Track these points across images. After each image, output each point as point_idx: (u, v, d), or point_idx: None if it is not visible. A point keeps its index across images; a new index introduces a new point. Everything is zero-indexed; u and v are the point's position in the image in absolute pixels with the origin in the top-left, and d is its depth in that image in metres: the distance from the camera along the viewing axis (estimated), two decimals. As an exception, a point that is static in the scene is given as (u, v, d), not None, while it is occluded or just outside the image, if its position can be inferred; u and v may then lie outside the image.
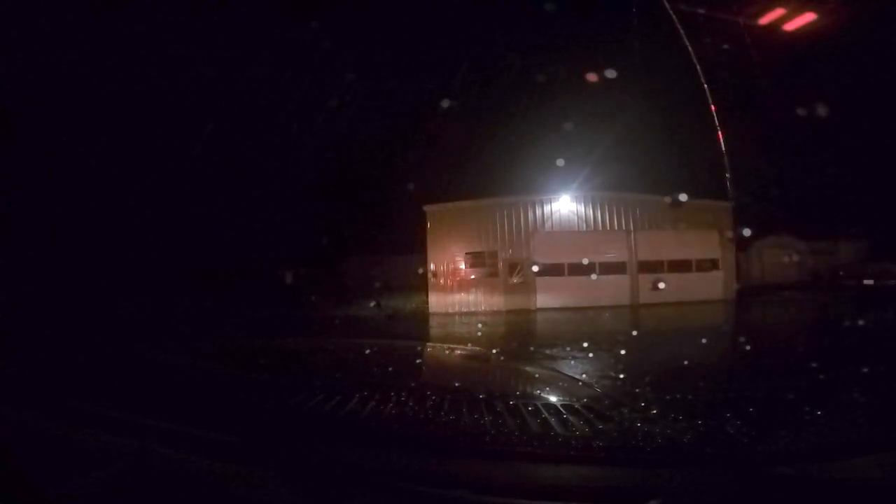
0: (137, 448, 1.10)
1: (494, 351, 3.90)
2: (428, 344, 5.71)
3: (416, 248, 16.87)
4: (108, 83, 12.72)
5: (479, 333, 11.84)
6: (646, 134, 14.73)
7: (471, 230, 14.93)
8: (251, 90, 15.84)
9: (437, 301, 15.03)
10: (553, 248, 14.50)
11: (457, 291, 14.94)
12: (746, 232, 15.50)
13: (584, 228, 14.74)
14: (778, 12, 6.48)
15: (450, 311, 14.79)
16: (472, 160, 14.94)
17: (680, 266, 15.07)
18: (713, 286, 15.20)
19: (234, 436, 1.15)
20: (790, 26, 6.47)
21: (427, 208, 15.41)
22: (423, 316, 14.78)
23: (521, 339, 10.83)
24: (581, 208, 14.74)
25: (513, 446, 1.15)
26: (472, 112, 15.15)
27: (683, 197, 15.00)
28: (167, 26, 12.73)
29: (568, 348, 8.63)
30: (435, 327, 13.25)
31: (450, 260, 15.10)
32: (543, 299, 14.35)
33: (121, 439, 1.14)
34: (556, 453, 1.12)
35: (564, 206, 14.65)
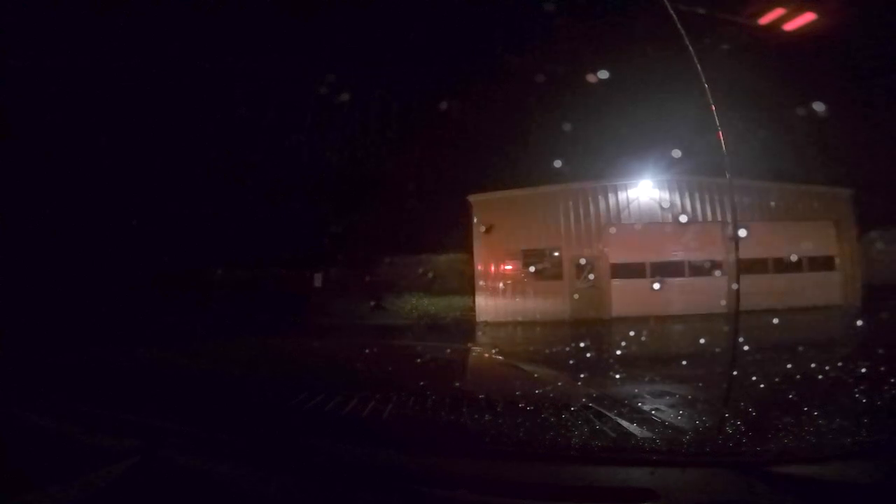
0: (138, 448, 1.14)
1: (590, 397, 2.44)
2: (477, 368, 3.93)
3: (460, 245, 14.60)
4: (103, 81, 11.52)
5: (547, 351, 9.41)
6: (746, 108, 11.94)
7: (528, 223, 12.49)
8: (273, 83, 14.11)
9: (485, 307, 12.70)
10: (631, 245, 11.92)
11: (510, 296, 12.56)
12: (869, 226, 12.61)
13: (670, 220, 12.09)
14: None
15: (501, 319, 12.40)
16: (526, 141, 12.49)
17: (788, 265, 12.23)
18: (829, 289, 12.33)
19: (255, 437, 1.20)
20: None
21: (473, 199, 13.09)
22: (468, 325, 12.46)
23: (606, 364, 8.35)
24: (665, 196, 12.08)
25: (513, 447, 1.17)
26: (525, 85, 12.65)
27: (792, 182, 12.24)
28: (165, 22, 11.59)
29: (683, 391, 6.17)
30: (485, 341, 10.94)
31: (501, 259, 12.73)
32: (620, 306, 11.81)
33: (121, 439, 1.20)
34: (557, 453, 1.16)
35: (645, 193, 12.01)
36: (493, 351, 9.54)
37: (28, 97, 10.16)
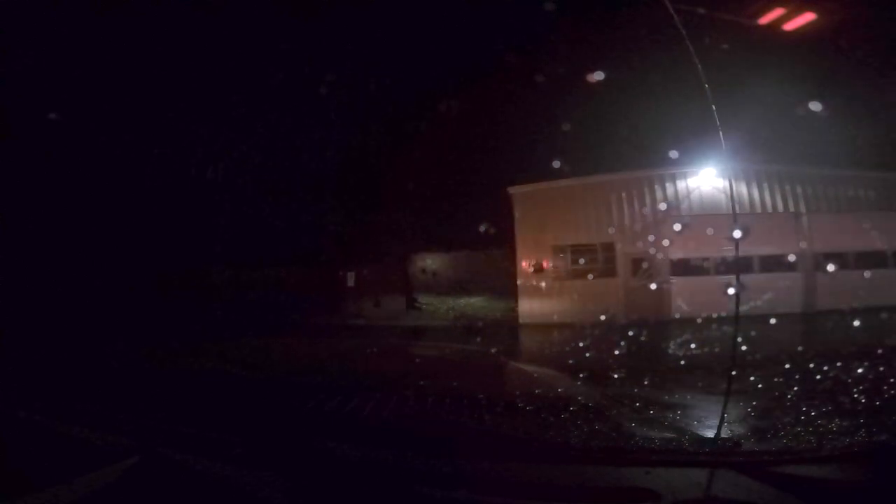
0: (138, 448, 1.13)
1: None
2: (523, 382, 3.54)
3: (499, 241, 13.72)
4: (103, 80, 11.20)
5: (610, 359, 8.33)
6: (821, 88, 10.69)
7: (575, 217, 11.54)
8: (301, 78, 13.61)
9: (528, 308, 11.79)
10: (693, 239, 10.80)
11: (555, 296, 11.61)
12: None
13: (737, 211, 10.94)
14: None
15: (546, 321, 11.45)
16: (572, 128, 11.49)
17: (871, 259, 10.94)
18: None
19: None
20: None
21: (513, 191, 12.21)
22: (509, 328, 11.55)
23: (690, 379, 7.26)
24: (730, 185, 10.96)
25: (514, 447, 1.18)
26: (569, 67, 11.68)
27: (873, 169, 10.97)
28: (165, 19, 11.17)
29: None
30: (530, 348, 10.01)
31: (546, 256, 11.80)
32: (681, 306, 10.70)
33: (121, 439, 1.20)
34: (557, 453, 1.19)
35: (707, 182, 10.91)
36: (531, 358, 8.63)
37: (28, 97, 9.98)
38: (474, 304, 13.31)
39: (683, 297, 10.76)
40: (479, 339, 10.45)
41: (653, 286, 10.96)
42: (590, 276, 11.43)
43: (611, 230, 11.17)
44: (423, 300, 13.79)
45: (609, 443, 1.27)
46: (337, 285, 13.02)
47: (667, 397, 3.53)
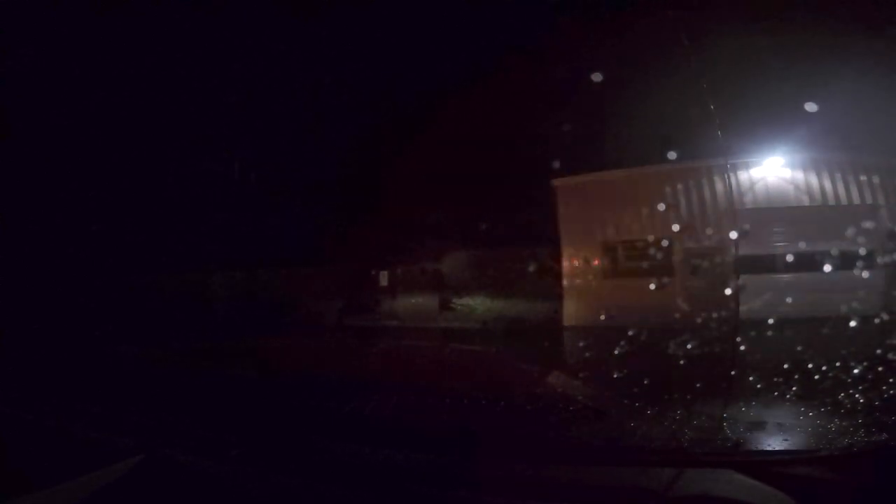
0: (139, 447, 1.14)
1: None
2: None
3: (541, 238, 12.96)
4: (102, 79, 11.00)
5: (699, 373, 6.76)
6: None
7: (627, 211, 10.76)
8: (329, 70, 13.10)
9: (574, 310, 11.02)
10: (761, 233, 9.95)
11: (606, 297, 10.81)
12: None
13: (808, 203, 10.08)
14: None
15: (593, 323, 10.65)
16: (623, 113, 10.71)
17: None
18: None
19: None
20: None
21: (558, 183, 11.50)
22: (553, 331, 10.74)
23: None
24: (801, 176, 10.10)
25: (514, 447, 1.16)
26: (616, 46, 10.90)
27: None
28: (162, 18, 10.81)
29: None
30: (582, 356, 9.20)
31: (594, 253, 11.03)
32: (749, 307, 9.82)
33: (121, 438, 1.21)
34: (556, 453, 1.18)
35: (775, 172, 10.08)
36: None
37: (28, 96, 9.85)
38: (514, 304, 12.52)
39: (751, 296, 9.88)
40: (518, 344, 9.72)
41: (716, 285, 10.10)
42: (641, 275, 10.61)
43: (667, 224, 10.38)
44: (459, 301, 13.07)
45: (608, 442, 1.20)
46: (370, 285, 12.47)
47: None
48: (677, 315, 10.16)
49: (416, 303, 13.12)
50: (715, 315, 9.85)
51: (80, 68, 10.40)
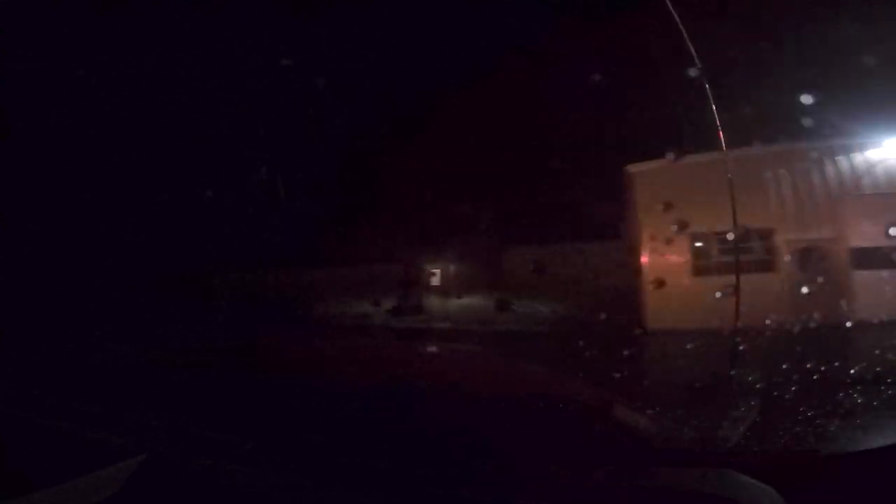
0: (139, 447, 1.11)
1: None
2: None
3: (614, 230, 11.91)
4: (102, 79, 10.75)
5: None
6: None
7: (719, 199, 9.58)
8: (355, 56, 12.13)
9: (658, 311, 9.91)
10: (878, 223, 8.87)
11: (694, 296, 9.69)
12: None
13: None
14: None
15: (682, 326, 9.53)
16: (709, 90, 9.56)
17: None
18: None
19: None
20: None
21: (634, 169, 10.42)
22: (631, 337, 9.62)
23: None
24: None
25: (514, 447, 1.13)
26: (703, 13, 9.70)
27: None
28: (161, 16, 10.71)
29: None
30: (674, 365, 8.14)
31: (680, 247, 9.92)
32: (866, 307, 8.75)
33: (122, 438, 1.16)
34: (556, 453, 1.12)
35: (894, 153, 8.97)
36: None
37: (28, 96, 9.68)
38: (584, 304, 11.46)
39: (869, 295, 8.80)
40: (590, 352, 8.67)
41: (825, 282, 9.02)
42: (739, 271, 9.50)
43: (768, 214, 9.26)
44: (518, 301, 12.03)
45: (607, 442, 1.18)
46: (421, 283, 11.46)
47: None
48: (781, 314, 9.10)
49: (468, 303, 12.10)
50: (825, 315, 8.82)
51: (80, 68, 10.19)
